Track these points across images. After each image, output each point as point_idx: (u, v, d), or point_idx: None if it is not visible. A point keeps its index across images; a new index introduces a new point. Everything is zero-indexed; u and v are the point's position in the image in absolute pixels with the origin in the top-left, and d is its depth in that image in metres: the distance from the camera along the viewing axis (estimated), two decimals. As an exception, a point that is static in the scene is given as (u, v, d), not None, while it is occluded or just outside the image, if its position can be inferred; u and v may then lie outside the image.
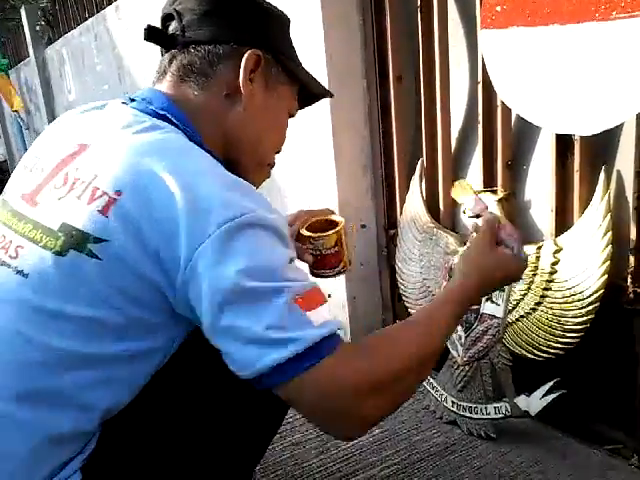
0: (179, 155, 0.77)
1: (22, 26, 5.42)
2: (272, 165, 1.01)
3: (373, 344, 0.78)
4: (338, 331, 0.74)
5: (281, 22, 0.97)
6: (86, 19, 4.04)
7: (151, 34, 0.91)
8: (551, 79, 1.13)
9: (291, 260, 0.76)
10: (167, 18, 0.91)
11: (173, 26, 0.90)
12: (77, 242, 0.73)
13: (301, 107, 1.04)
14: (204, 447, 0.88)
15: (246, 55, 0.87)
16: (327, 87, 1.66)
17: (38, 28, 5.14)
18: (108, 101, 0.91)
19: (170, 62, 0.91)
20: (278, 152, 1.02)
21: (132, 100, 0.89)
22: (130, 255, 0.72)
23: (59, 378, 0.74)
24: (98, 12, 3.76)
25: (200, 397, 0.87)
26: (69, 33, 4.42)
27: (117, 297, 0.73)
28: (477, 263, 0.93)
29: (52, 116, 5.29)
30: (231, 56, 0.88)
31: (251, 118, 0.91)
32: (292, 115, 1.01)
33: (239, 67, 0.88)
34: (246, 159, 0.93)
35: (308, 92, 1.01)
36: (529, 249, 1.33)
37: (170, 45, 0.91)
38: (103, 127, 0.84)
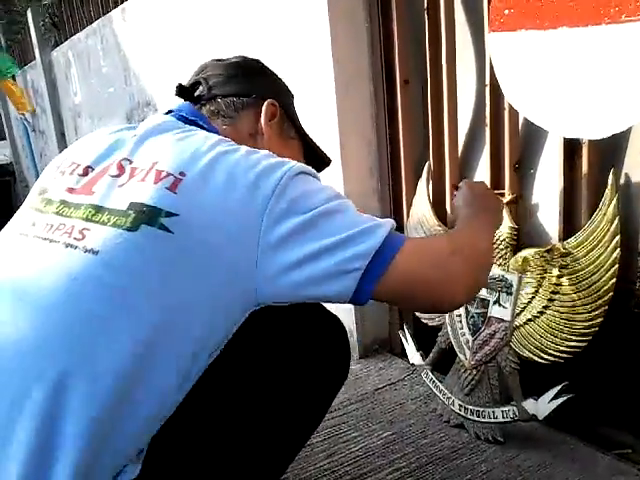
0: (223, 142, 0.87)
1: (28, 29, 5.44)
2: None
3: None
4: None
5: (290, 92, 1.14)
6: (92, 22, 4.05)
7: (181, 91, 1.04)
8: (559, 82, 1.13)
9: None
10: (194, 85, 1.05)
11: (200, 89, 1.04)
12: (149, 217, 0.77)
13: None
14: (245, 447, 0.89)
15: (266, 103, 1.02)
16: (334, 91, 1.69)
17: (44, 30, 5.16)
18: (139, 124, 0.97)
19: (199, 110, 1.02)
20: None
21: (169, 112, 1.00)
22: (200, 226, 0.77)
23: (130, 356, 0.73)
24: (104, 14, 3.77)
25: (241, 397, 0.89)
26: (75, 36, 4.43)
27: (186, 270, 0.76)
28: (465, 203, 1.14)
29: (58, 118, 5.31)
30: (253, 105, 1.03)
31: None
32: None
33: (260, 114, 1.02)
34: None
35: (309, 157, 1.13)
36: (537, 253, 1.33)
37: (197, 102, 1.03)
38: (142, 132, 0.91)
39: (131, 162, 0.85)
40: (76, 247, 0.77)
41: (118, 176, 0.84)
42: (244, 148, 0.86)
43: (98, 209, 0.80)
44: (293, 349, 0.91)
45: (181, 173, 0.80)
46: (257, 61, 1.12)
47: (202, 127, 0.95)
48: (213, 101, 1.02)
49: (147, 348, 0.74)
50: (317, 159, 1.16)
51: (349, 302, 0.82)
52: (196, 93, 1.03)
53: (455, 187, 1.42)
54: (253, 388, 0.88)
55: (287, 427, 0.93)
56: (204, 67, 1.08)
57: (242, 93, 1.03)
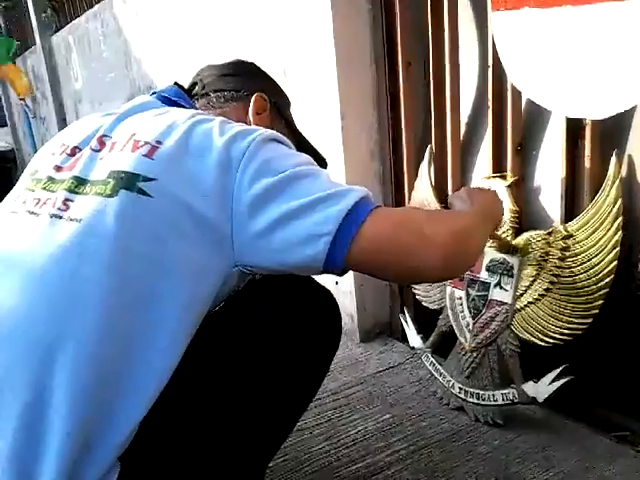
0: (200, 114, 0.90)
1: (28, 13, 5.42)
2: None
3: None
4: None
5: (285, 96, 1.17)
6: (92, 5, 4.02)
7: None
8: (563, 61, 1.12)
9: None
10: (191, 86, 1.11)
11: (196, 89, 1.09)
12: (127, 182, 0.79)
13: None
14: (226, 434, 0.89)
15: (254, 96, 1.06)
16: (336, 74, 1.68)
17: (44, 15, 5.13)
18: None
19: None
20: None
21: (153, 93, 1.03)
22: (178, 189, 0.79)
23: (126, 316, 0.75)
24: (105, -1, 3.75)
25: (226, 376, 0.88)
26: (75, 20, 4.41)
27: (168, 232, 0.78)
28: (460, 198, 1.10)
29: (59, 104, 5.30)
30: (243, 99, 1.06)
31: None
32: None
33: (248, 105, 1.05)
34: None
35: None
36: (539, 235, 1.33)
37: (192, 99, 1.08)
38: (123, 111, 0.94)
39: (110, 137, 0.88)
40: (61, 217, 0.79)
41: (99, 150, 0.87)
42: (219, 118, 0.88)
43: (81, 181, 0.83)
44: (283, 322, 0.91)
45: (158, 142, 0.83)
46: (252, 63, 1.16)
47: (184, 107, 0.98)
48: (205, 96, 1.07)
49: (131, 310, 0.75)
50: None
51: (325, 271, 0.81)
52: (193, 92, 1.09)
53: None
54: (246, 361, 0.88)
55: (281, 400, 0.93)
56: (201, 70, 1.13)
57: (233, 88, 1.07)
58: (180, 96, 1.02)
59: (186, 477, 0.86)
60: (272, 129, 0.97)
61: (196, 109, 1.01)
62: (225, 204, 0.79)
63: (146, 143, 0.83)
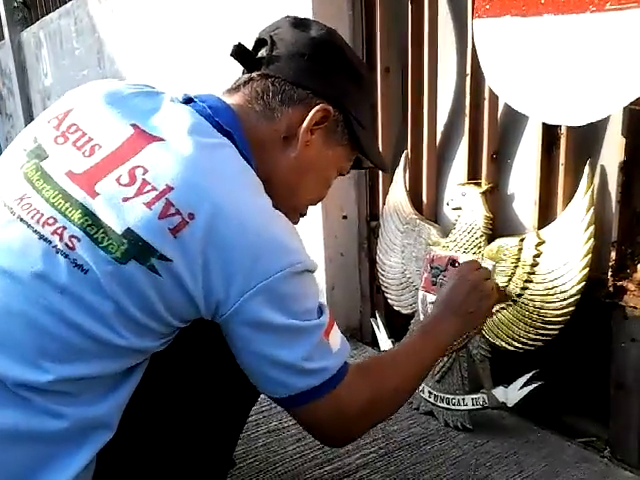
0: (249, 192, 0.81)
1: (-2, 7, 5.31)
2: (304, 214, 1.02)
3: (373, 370, 0.94)
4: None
5: (368, 88, 1.00)
6: (65, 2, 3.96)
7: (237, 52, 0.93)
8: (542, 69, 1.14)
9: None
10: (261, 42, 0.94)
11: (262, 52, 0.92)
12: (141, 253, 0.73)
13: (353, 167, 1.06)
14: (180, 439, 0.91)
15: (316, 107, 0.89)
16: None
17: (15, 10, 5.03)
18: (155, 89, 0.90)
19: (245, 83, 0.92)
20: (313, 204, 1.03)
21: (189, 100, 0.89)
22: (187, 279, 0.74)
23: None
24: (79, -5, 3.69)
25: (173, 391, 0.90)
26: (47, 16, 4.34)
27: (163, 309, 0.76)
28: (449, 298, 1.10)
29: (27, 101, 5.19)
30: (303, 103, 0.89)
31: (299, 167, 0.93)
32: (342, 174, 1.03)
33: (306, 116, 0.89)
34: (280, 201, 0.87)
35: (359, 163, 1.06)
36: (512, 241, 1.34)
37: (253, 67, 0.92)
38: (167, 125, 0.81)
39: (145, 171, 0.76)
40: (67, 256, 0.73)
41: (127, 185, 0.75)
42: (267, 207, 0.81)
43: (95, 220, 0.75)
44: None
45: (190, 215, 0.73)
46: (334, 46, 0.93)
47: (234, 141, 0.84)
48: (264, 81, 0.90)
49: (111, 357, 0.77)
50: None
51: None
52: (259, 54, 0.92)
53: (454, 262, 1.37)
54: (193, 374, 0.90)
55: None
56: (278, 26, 0.94)
57: (299, 82, 0.89)
58: (233, 125, 0.86)
59: None
60: (326, 140, 0.93)
61: (246, 147, 0.87)
62: (222, 307, 0.77)
63: (177, 213, 0.73)
